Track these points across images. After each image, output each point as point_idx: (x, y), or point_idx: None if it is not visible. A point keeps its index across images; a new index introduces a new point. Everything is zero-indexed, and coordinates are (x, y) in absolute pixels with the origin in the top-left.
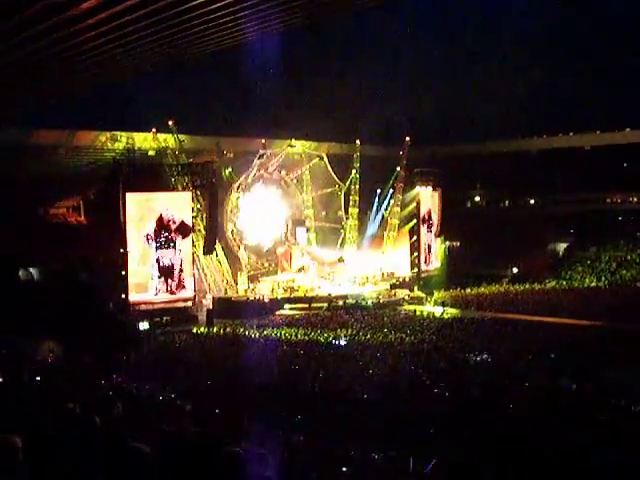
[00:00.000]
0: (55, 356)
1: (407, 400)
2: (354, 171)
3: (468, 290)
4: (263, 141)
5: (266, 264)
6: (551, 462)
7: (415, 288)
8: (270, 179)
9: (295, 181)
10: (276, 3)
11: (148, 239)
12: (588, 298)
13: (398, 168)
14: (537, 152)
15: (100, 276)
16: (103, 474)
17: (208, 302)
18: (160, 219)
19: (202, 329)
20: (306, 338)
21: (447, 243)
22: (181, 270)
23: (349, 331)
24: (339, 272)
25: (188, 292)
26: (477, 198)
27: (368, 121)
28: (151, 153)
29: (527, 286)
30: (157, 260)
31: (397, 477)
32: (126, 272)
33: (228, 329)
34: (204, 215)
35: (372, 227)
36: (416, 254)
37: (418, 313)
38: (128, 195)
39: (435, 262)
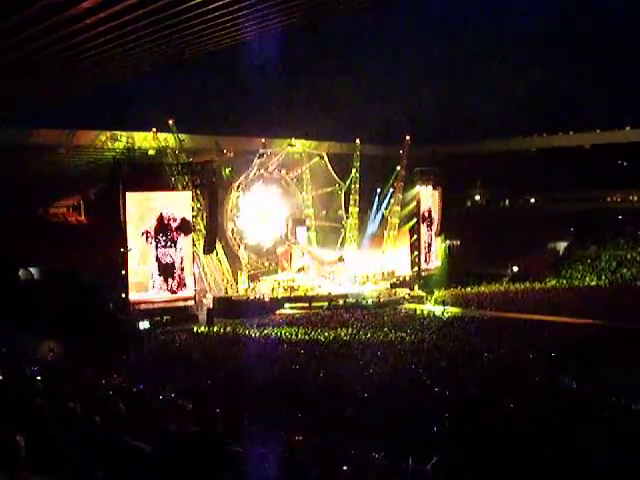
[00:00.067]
0: (55, 355)
1: (407, 399)
2: (354, 170)
3: (468, 289)
4: (263, 140)
5: (266, 263)
6: (551, 461)
7: (415, 287)
8: (270, 178)
9: (295, 180)
10: (274, 3)
11: (147, 237)
12: (588, 297)
13: (398, 167)
14: (537, 151)
15: (100, 276)
16: (104, 473)
17: (208, 301)
18: (160, 218)
19: (202, 328)
20: (306, 337)
21: (447, 242)
22: (182, 269)
23: (349, 330)
24: (339, 271)
25: (188, 291)
26: (477, 197)
27: (368, 120)
28: (151, 152)
29: (527, 285)
30: (157, 259)
31: (397, 476)
32: (126, 271)
33: (228, 328)
34: (204, 214)
35: (372, 226)
36: (416, 253)
37: (418, 312)
38: (128, 194)
39: (435, 261)
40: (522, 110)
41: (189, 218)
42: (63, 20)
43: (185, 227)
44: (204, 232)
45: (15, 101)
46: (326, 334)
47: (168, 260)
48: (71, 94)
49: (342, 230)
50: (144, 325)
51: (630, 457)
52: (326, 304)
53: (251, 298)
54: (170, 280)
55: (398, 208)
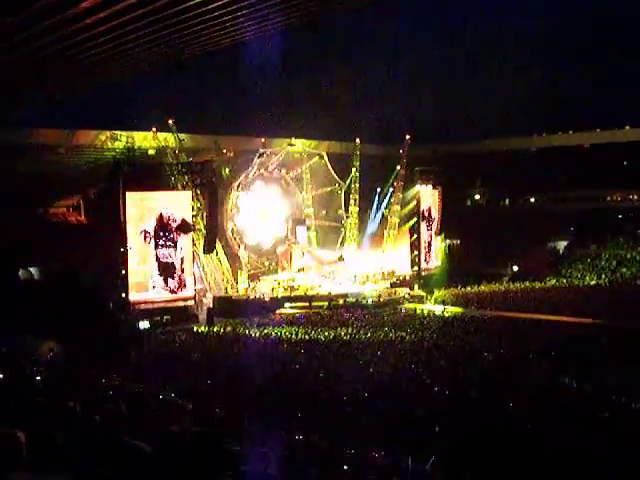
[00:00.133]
0: (55, 355)
1: (407, 398)
2: (354, 170)
3: (468, 288)
4: (263, 140)
5: (266, 263)
6: (552, 460)
7: (415, 286)
8: (270, 178)
9: (295, 180)
10: (274, 2)
11: (146, 236)
12: (588, 296)
13: (398, 166)
14: (537, 150)
15: (100, 275)
16: (104, 472)
17: (208, 301)
18: (160, 218)
19: (202, 328)
20: (306, 337)
21: (447, 241)
22: (182, 270)
23: (349, 330)
24: (339, 271)
25: (188, 291)
26: (477, 196)
27: (368, 120)
28: (151, 152)
29: (527, 284)
30: (157, 259)
31: (397, 476)
32: (126, 271)
33: (228, 328)
34: (204, 214)
35: (372, 226)
36: (416, 252)
37: (418, 311)
38: (128, 194)
39: (435, 260)
40: (522, 110)
41: (189, 218)
42: (63, 20)
43: (185, 227)
44: (204, 232)
45: (18, 99)
46: (326, 334)
47: (168, 260)
48: (72, 93)
49: (342, 230)
50: (144, 325)
51: (630, 456)
52: (326, 304)
53: (251, 298)
54: (170, 280)
55: (398, 207)
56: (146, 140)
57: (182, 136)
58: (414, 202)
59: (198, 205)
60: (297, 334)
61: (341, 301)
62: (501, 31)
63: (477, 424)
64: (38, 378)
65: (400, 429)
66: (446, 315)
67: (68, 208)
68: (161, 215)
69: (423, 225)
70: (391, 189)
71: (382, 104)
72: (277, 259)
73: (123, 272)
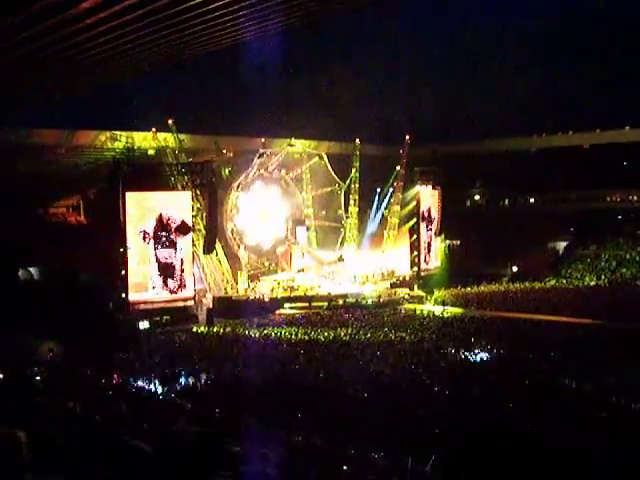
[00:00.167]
0: (55, 355)
1: (407, 399)
2: (354, 170)
3: (468, 289)
4: (263, 140)
5: (266, 263)
6: (551, 460)
7: (415, 287)
8: (270, 178)
9: (295, 180)
10: (274, 3)
11: (145, 237)
12: (588, 297)
13: (398, 167)
14: (537, 151)
15: (100, 276)
16: (103, 472)
17: (208, 301)
18: (160, 218)
19: (202, 328)
20: (306, 337)
21: (447, 242)
22: (182, 270)
23: (349, 330)
24: (339, 271)
25: (188, 291)
26: (477, 197)
27: (368, 120)
28: (151, 152)
29: (527, 285)
30: (157, 259)
31: (397, 476)
32: (126, 271)
33: (228, 328)
34: (204, 214)
35: (372, 226)
36: (416, 253)
37: (418, 312)
38: (128, 194)
39: (435, 261)
40: (522, 110)
41: (189, 219)
42: (64, 20)
43: (184, 229)
44: (204, 232)
45: (18, 99)
46: (326, 334)
47: (168, 261)
48: (73, 93)
49: (342, 230)
50: (144, 325)
51: (629, 457)
52: (326, 304)
53: (251, 298)
54: (170, 281)
55: (398, 208)
56: (146, 140)
57: (182, 136)
58: (414, 202)
59: (198, 205)
60: (297, 334)
61: (341, 301)
62: (501, 31)
63: (477, 424)
64: (38, 378)
65: (400, 429)
66: (446, 315)
67: (68, 208)
68: (160, 215)
69: (423, 225)
70: (391, 189)
71: (382, 104)
72: (277, 259)
73: (123, 272)
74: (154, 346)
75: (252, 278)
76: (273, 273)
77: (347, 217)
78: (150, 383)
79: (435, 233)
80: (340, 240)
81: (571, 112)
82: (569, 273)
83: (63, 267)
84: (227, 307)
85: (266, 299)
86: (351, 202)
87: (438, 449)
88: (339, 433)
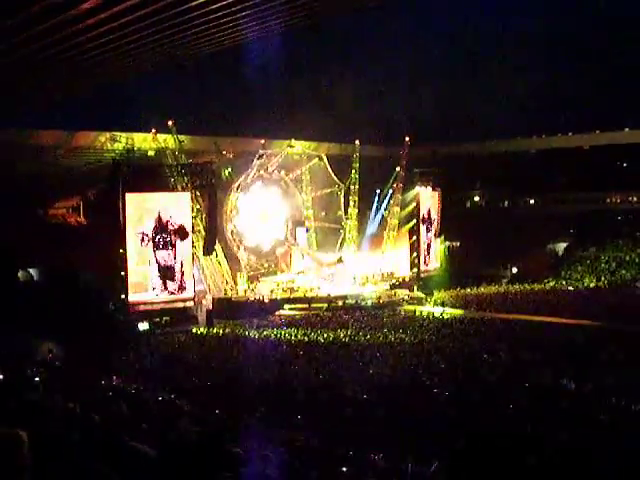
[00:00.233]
0: (54, 356)
1: (407, 400)
2: (354, 171)
3: (468, 290)
4: (263, 141)
5: (266, 264)
6: (551, 462)
7: (415, 288)
8: (270, 179)
9: (295, 181)
10: (278, 3)
11: (143, 238)
12: (588, 298)
13: (398, 168)
14: (536, 152)
15: (100, 277)
16: (102, 473)
17: (208, 302)
18: (159, 220)
19: (202, 329)
20: (306, 339)
21: (447, 243)
22: (182, 272)
23: (349, 331)
24: (339, 272)
25: (188, 293)
26: (477, 198)
27: (368, 121)
28: (151, 153)
29: (527, 286)
30: (157, 261)
31: (397, 478)
32: (126, 272)
33: (228, 329)
34: (204, 216)
35: (372, 227)
36: (416, 254)
37: (418, 313)
38: (128, 195)
39: (435, 262)
40: (522, 110)
41: (188, 222)
42: (64, 21)
43: (182, 233)
44: (203, 233)
45: (18, 100)
46: (325, 335)
47: (168, 263)
48: (74, 94)
49: (342, 231)
50: (143, 326)
51: (630, 458)
52: (325, 305)
53: (250, 299)
54: (170, 282)
55: (398, 209)
56: (146, 141)
57: (182, 137)
58: (414, 204)
59: (198, 207)
60: (296, 336)
61: (340, 303)
62: (501, 31)
63: (477, 425)
64: (37, 379)
65: (400, 430)
66: (445, 317)
67: (68, 209)
68: (159, 217)
69: (423, 227)
70: (391, 191)
71: (382, 105)
72: (276, 261)
73: (122, 273)
74: (153, 347)
75: (252, 279)
76: (273, 274)
77: (347, 218)
78: (149, 384)
79: (435, 234)
80: (340, 241)
81: (571, 112)
82: (569, 274)
83: (63, 268)
84: (227, 308)
85: (266, 300)
86: (351, 203)
87: (438, 450)
88: (339, 434)
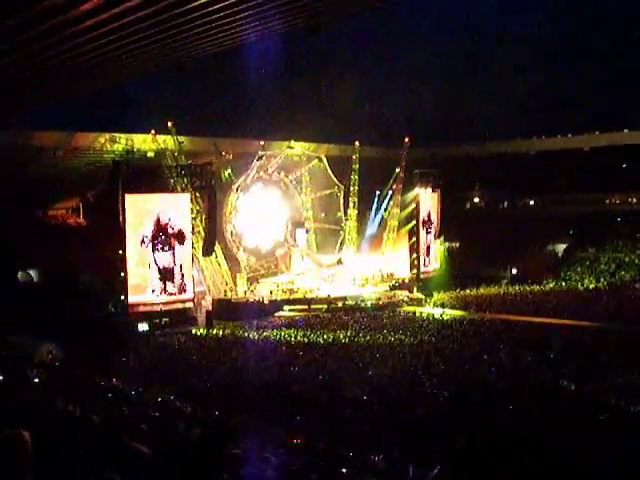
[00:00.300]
0: (54, 357)
1: (407, 401)
2: (353, 172)
3: (467, 291)
4: (262, 143)
5: (265, 266)
6: (551, 462)
7: (414, 289)
8: (269, 181)
9: (294, 183)
10: (281, 3)
11: (144, 241)
12: (587, 299)
13: (397, 169)
14: (536, 153)
15: (99, 278)
16: (102, 474)
17: (207, 303)
18: (158, 221)
19: (201, 331)
20: (305, 340)
21: (446, 244)
22: (182, 275)
23: (348, 332)
24: (338, 273)
25: (187, 294)
26: (476, 199)
27: (367, 122)
28: (150, 155)
29: (526, 287)
30: (156, 263)
31: (396, 479)
32: (125, 274)
33: (227, 331)
34: (203, 217)
35: (371, 228)
36: (415, 255)
37: (417, 314)
38: (127, 196)
39: (434, 263)
40: (522, 111)
41: (187, 225)
42: (64, 22)
43: (181, 237)
44: (203, 234)
45: (17, 101)
46: (325, 336)
47: (167, 265)
48: (72, 95)
49: (341, 232)
50: (143, 327)
51: (630, 458)
52: (325, 306)
53: (250, 300)
54: (169, 284)
55: (397, 210)
56: (145, 142)
57: (181, 138)
58: (413, 205)
59: (197, 208)
60: (296, 337)
61: (340, 304)
62: (501, 31)
63: (477, 426)
64: (37, 380)
65: (399, 431)
66: (445, 318)
67: (67, 210)
68: (158, 220)
69: (422, 228)
70: (390, 192)
71: (382, 106)
72: (276, 262)
73: (122, 274)
74: (153, 348)
75: (251, 280)
76: (272, 275)
77: (346, 219)
78: (149, 385)
79: (434, 235)
80: (339, 242)
81: (571, 113)
82: (568, 276)
83: (62, 269)
84: (226, 309)
85: (265, 301)
86: (350, 204)
87: (438, 451)
88: (339, 435)
